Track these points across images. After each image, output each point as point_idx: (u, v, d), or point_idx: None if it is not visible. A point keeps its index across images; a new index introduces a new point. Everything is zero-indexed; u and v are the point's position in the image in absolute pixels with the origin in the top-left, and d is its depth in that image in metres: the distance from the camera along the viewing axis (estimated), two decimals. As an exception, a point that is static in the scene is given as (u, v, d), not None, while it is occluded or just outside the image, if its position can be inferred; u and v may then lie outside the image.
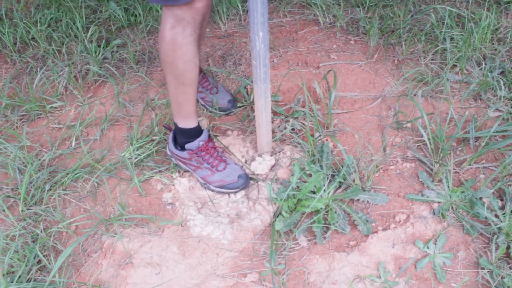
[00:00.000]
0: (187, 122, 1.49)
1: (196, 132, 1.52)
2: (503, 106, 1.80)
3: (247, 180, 1.55)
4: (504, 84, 1.86)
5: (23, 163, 1.67)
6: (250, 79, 1.90)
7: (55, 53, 2.18)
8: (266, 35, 1.24)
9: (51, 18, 2.39)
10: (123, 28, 2.34)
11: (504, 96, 1.83)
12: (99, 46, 2.16)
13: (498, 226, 1.39)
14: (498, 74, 1.94)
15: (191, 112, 1.46)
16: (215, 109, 1.80)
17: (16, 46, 2.26)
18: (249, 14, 1.18)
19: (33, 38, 2.30)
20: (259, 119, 1.50)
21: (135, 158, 1.65)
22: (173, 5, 1.19)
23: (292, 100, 1.87)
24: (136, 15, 2.37)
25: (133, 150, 1.66)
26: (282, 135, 1.71)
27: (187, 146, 1.51)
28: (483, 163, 1.62)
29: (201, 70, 1.82)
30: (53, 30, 2.31)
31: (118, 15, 2.34)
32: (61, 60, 2.14)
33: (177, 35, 1.25)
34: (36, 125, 1.87)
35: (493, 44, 2.10)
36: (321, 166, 1.55)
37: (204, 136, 1.52)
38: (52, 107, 1.92)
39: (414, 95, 1.86)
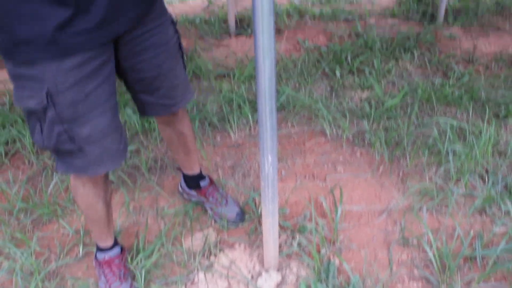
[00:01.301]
0: (104, 243, 1.60)
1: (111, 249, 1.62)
2: (509, 222, 1.81)
3: None
4: (508, 198, 1.90)
5: (31, 271, 1.68)
6: (258, 192, 1.95)
7: (71, 156, 2.27)
8: (275, 159, 1.31)
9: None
10: (137, 134, 2.45)
11: (509, 211, 1.85)
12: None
13: None
14: (501, 188, 1.98)
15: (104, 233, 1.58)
16: (224, 221, 1.83)
17: (35, 147, 2.36)
18: (259, 137, 1.25)
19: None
20: (266, 235, 1.52)
21: (142, 268, 1.65)
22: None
23: (300, 213, 1.90)
24: (150, 122, 2.48)
25: (140, 260, 1.67)
26: (289, 251, 1.72)
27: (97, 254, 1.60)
28: (492, 283, 1.60)
29: (211, 181, 1.89)
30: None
31: (134, 121, 2.46)
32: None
33: (78, 186, 1.40)
34: (47, 229, 1.90)
35: (494, 157, 2.16)
36: (327, 286, 1.54)
37: (114, 252, 1.61)
38: (64, 211, 1.96)
39: (419, 209, 1.89)
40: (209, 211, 1.89)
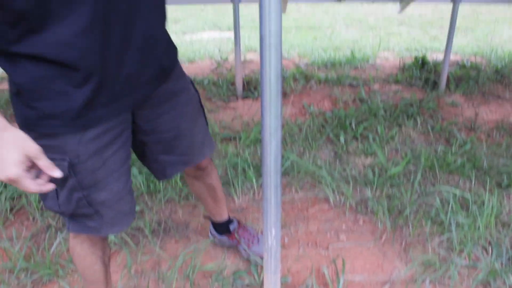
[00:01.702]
0: None
1: None
2: (513, 298, 1.79)
3: None
4: (512, 273, 1.88)
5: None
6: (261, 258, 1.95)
7: (75, 215, 2.29)
8: (278, 232, 1.32)
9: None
10: (142, 195, 2.48)
11: (513, 287, 1.84)
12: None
13: None
14: (506, 260, 1.97)
15: None
16: (258, 258, 1.95)
17: (40, 203, 2.38)
18: (263, 211, 1.27)
19: (57, 198, 2.43)
20: (268, 306, 1.51)
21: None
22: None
23: (301, 282, 1.88)
24: (155, 183, 2.52)
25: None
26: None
27: None
28: None
29: (240, 223, 2.01)
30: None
31: (139, 182, 2.50)
32: (81, 223, 2.23)
33: (76, 245, 1.41)
34: (47, 290, 1.89)
35: (497, 229, 2.16)
36: None
37: None
38: (65, 271, 1.96)
39: (423, 281, 1.87)
40: (243, 253, 1.96)
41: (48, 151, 1.09)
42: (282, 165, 2.68)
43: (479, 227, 2.11)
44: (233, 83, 4.20)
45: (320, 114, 3.63)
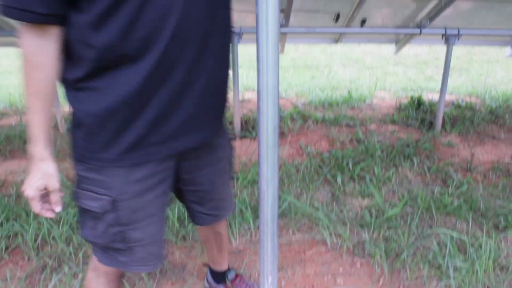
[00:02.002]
0: None
1: None
2: None
3: None
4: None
5: None
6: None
7: (71, 255, 2.27)
8: (275, 280, 1.32)
9: (74, 216, 2.55)
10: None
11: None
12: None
13: None
14: (505, 306, 1.96)
15: None
16: None
17: (36, 242, 2.37)
18: (259, 258, 1.27)
19: (53, 237, 2.42)
20: None
21: None
22: None
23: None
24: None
25: None
26: None
27: None
28: None
29: (237, 274, 1.98)
30: (73, 232, 2.44)
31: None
32: (77, 264, 2.22)
33: (93, 279, 1.42)
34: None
35: (496, 272, 2.15)
36: None
37: None
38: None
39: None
40: None
41: (94, 184, 1.17)
42: (280, 206, 2.68)
43: (477, 271, 2.10)
44: (231, 122, 4.25)
45: (318, 155, 3.66)
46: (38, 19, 0.99)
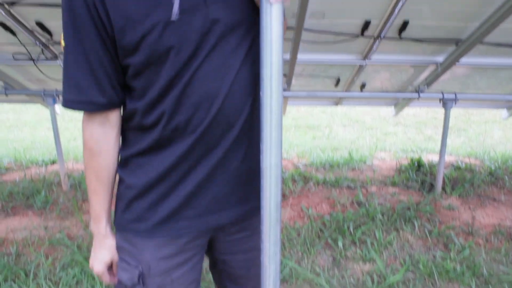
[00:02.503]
0: None
1: None
2: None
3: None
4: None
5: None
6: None
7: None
8: None
9: (74, 277, 2.53)
10: None
11: None
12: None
13: None
14: None
15: None
16: None
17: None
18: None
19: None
20: None
21: None
22: None
23: None
24: None
25: None
26: None
27: None
28: None
29: None
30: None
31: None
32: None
33: None
34: None
35: None
36: None
37: None
38: None
39: None
40: None
41: (128, 254, 1.20)
42: (281, 272, 2.67)
43: None
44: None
45: (319, 218, 3.67)
46: (99, 108, 1.07)
